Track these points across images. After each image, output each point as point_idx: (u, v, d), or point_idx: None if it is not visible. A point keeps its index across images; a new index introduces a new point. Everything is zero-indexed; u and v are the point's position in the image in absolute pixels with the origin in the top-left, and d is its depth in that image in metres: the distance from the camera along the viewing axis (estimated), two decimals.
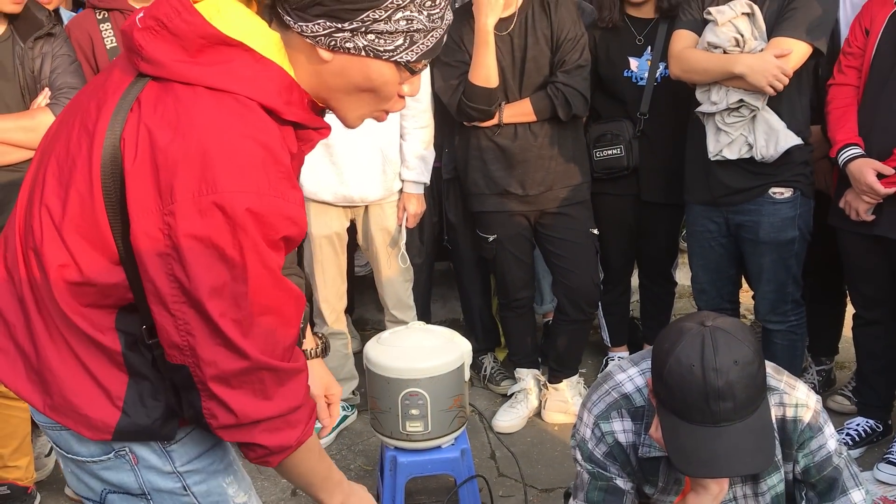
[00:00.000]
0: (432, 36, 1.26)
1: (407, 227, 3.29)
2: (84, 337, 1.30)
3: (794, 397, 1.90)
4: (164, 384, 1.34)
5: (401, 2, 1.20)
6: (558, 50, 3.15)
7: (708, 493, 1.82)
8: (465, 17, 3.12)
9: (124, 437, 1.35)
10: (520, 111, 3.19)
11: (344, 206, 3.24)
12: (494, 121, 3.19)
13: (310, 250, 3.28)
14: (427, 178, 3.27)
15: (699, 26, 2.97)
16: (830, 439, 1.91)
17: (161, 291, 1.21)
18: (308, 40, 1.23)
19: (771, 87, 2.78)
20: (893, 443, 3.04)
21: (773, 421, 1.83)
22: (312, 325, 1.77)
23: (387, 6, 1.20)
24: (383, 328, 3.32)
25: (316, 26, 1.21)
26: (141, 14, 1.26)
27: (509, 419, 3.43)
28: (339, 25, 1.21)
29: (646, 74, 3.32)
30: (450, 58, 3.16)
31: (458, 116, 3.22)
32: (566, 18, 3.15)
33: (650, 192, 3.43)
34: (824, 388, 3.54)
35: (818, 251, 3.18)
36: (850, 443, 3.11)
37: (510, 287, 3.45)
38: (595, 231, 3.37)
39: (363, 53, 1.23)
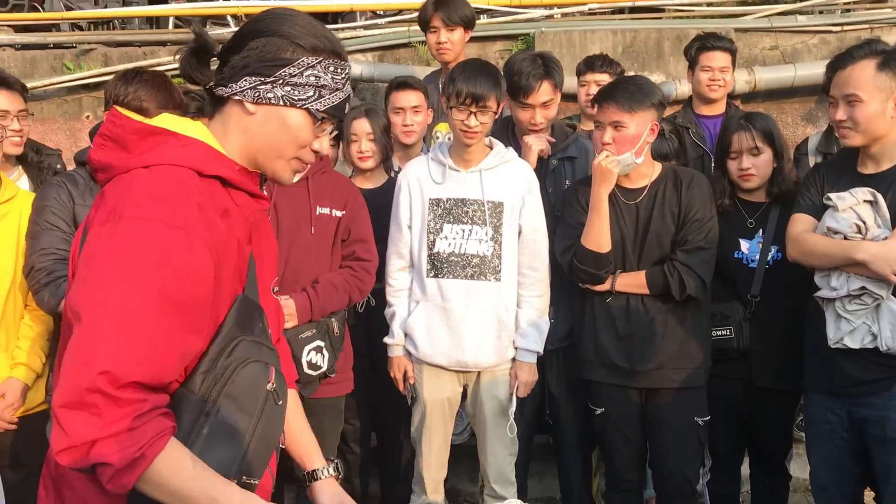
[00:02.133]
0: (336, 96, 1.61)
1: (518, 397, 3.23)
2: None
3: None
4: None
5: (310, 62, 1.57)
6: (682, 228, 3.16)
7: None
8: (590, 183, 3.19)
9: None
10: (634, 282, 3.18)
11: (457, 371, 3.22)
12: (606, 287, 3.18)
13: (420, 414, 3.25)
14: (541, 348, 3.24)
15: (818, 211, 2.95)
16: None
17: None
18: (237, 97, 1.56)
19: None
20: None
21: None
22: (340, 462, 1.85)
23: (299, 64, 1.56)
24: (476, 501, 3.19)
25: (244, 83, 1.56)
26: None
27: None
28: (262, 79, 1.55)
29: (757, 257, 3.29)
30: (571, 219, 3.22)
31: (570, 275, 3.24)
32: (696, 198, 3.17)
33: (762, 376, 3.30)
34: None
35: None
36: None
37: (617, 467, 3.31)
38: (702, 421, 3.23)
39: (281, 102, 1.57)
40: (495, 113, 3.08)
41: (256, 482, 1.55)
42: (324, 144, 1.66)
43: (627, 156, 3.08)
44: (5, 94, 3.23)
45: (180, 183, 1.48)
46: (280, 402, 1.59)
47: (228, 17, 6.02)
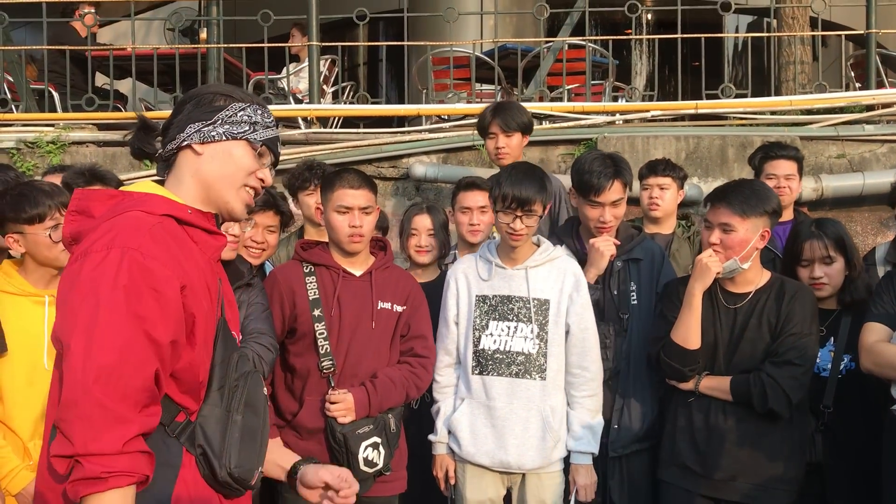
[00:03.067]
0: (269, 131, 1.91)
1: (578, 500, 3.12)
2: None
3: None
4: None
5: (241, 106, 1.87)
6: (777, 339, 3.06)
7: None
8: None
9: None
10: (717, 385, 3.10)
11: (501, 472, 3.15)
12: (690, 386, 3.11)
13: None
14: (595, 449, 3.16)
15: (892, 320, 2.88)
16: None
17: None
18: (185, 143, 1.83)
19: None
20: None
21: None
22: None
23: (232, 108, 1.86)
24: None
25: (189, 129, 1.84)
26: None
27: None
28: (204, 122, 1.84)
29: (829, 366, 3.20)
30: (669, 312, 3.17)
31: (656, 369, 3.20)
32: (797, 312, 3.07)
33: (837, 494, 3.16)
34: None
35: None
36: None
37: None
38: None
39: (224, 137, 1.84)
40: (541, 216, 3.09)
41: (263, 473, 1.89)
42: (266, 176, 1.91)
43: (732, 262, 3.03)
44: (100, 189, 3.36)
45: (135, 218, 1.70)
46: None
47: (299, 119, 6.24)
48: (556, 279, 3.14)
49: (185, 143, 1.83)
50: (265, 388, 1.90)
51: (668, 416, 3.21)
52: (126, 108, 6.99)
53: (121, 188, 1.86)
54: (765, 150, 4.18)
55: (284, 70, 6.91)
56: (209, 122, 1.83)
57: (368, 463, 2.96)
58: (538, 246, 3.19)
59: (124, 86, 7.36)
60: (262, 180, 1.90)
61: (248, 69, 6.76)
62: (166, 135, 1.87)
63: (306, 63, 6.57)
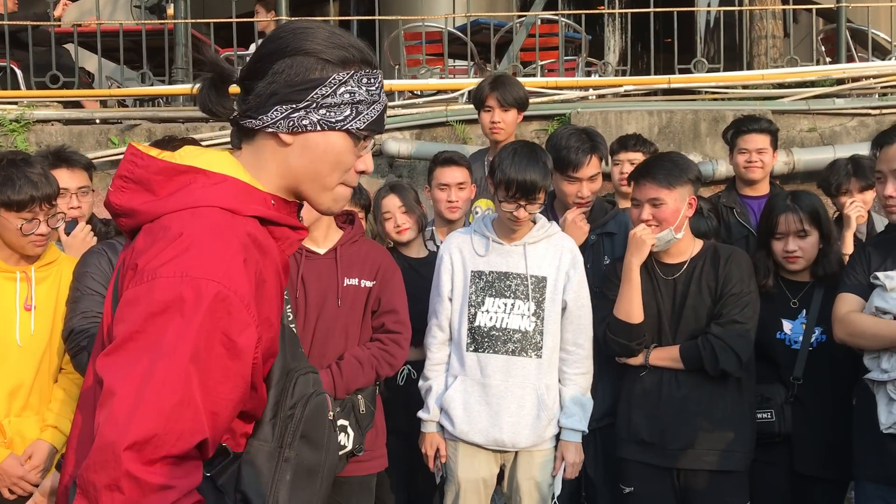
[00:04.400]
0: (374, 108, 1.49)
1: (565, 479, 3.12)
2: None
3: None
4: None
5: (342, 78, 1.44)
6: (719, 302, 3.10)
7: None
8: None
9: None
10: (667, 356, 3.11)
11: (494, 451, 3.13)
12: (640, 360, 3.12)
13: (454, 494, 3.15)
14: (585, 426, 3.15)
15: (865, 291, 2.88)
16: None
17: None
18: (270, 130, 1.44)
19: None
20: None
21: None
22: None
23: (331, 82, 1.43)
24: None
25: (275, 113, 1.43)
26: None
27: None
28: (295, 106, 1.43)
29: (800, 338, 3.22)
30: (609, 292, 3.18)
31: (604, 347, 3.19)
32: (734, 273, 3.12)
33: (805, 463, 3.18)
34: None
35: None
36: None
37: None
38: None
39: (318, 127, 1.44)
40: (543, 203, 3.06)
41: None
42: (368, 163, 1.55)
43: (667, 232, 3.06)
44: (66, 172, 3.29)
45: (217, 226, 1.36)
46: (333, 421, 1.59)
47: None
48: (554, 256, 3.12)
49: (270, 128, 1.44)
50: (330, 413, 1.54)
51: (621, 394, 3.22)
52: (92, 84, 6.86)
53: (188, 158, 1.44)
54: (737, 124, 4.18)
55: (253, 46, 6.81)
56: (300, 104, 1.43)
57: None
58: (534, 222, 3.16)
59: (91, 63, 7.22)
60: (362, 173, 1.54)
61: (216, 45, 6.65)
62: (245, 96, 1.47)
63: None
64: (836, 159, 4.20)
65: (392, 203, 3.60)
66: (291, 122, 1.43)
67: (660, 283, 3.16)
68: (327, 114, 1.44)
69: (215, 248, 1.33)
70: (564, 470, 3.11)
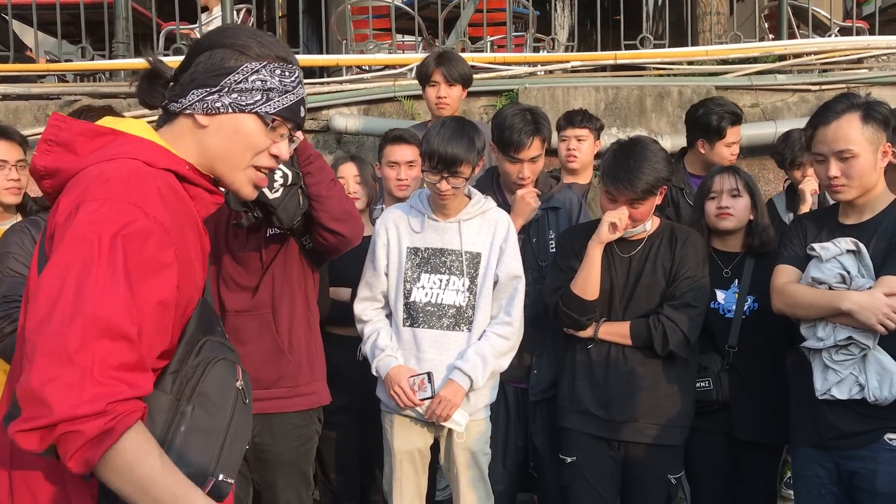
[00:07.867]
0: (287, 97, 1.62)
1: (427, 416, 3.05)
2: None
3: None
4: None
5: (255, 67, 1.59)
6: (673, 283, 3.14)
7: None
8: (586, 230, 3.19)
9: None
10: (616, 331, 3.15)
11: (428, 423, 3.15)
12: (589, 334, 3.15)
13: (390, 465, 3.17)
14: (478, 384, 3.03)
15: (801, 262, 2.93)
16: None
17: None
18: (188, 112, 1.58)
19: (882, 325, 2.67)
20: None
21: None
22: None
23: (243, 70, 1.58)
24: None
25: (192, 96, 1.58)
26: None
27: None
28: (209, 90, 1.57)
29: (733, 307, 3.29)
30: (563, 262, 3.21)
31: (553, 317, 3.21)
32: (690, 256, 3.15)
33: (743, 429, 3.26)
34: None
35: None
36: None
37: None
38: (675, 479, 3.17)
39: (230, 110, 1.58)
40: (467, 179, 3.04)
41: (232, 482, 1.54)
42: (282, 150, 1.65)
43: (641, 226, 3.14)
44: (4, 144, 3.23)
45: (136, 167, 1.48)
46: (247, 402, 1.60)
47: None
48: (488, 232, 3.13)
49: (188, 111, 1.59)
50: (238, 381, 1.58)
51: (565, 364, 3.25)
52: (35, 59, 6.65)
53: (109, 123, 1.58)
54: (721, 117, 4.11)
55: (198, 21, 6.68)
56: (214, 88, 1.57)
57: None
58: (470, 198, 3.17)
59: (28, 37, 7.00)
60: (276, 156, 1.64)
61: (158, 19, 6.50)
62: (175, 84, 1.61)
63: (219, 13, 6.35)
64: (789, 131, 4.25)
65: (349, 171, 3.60)
66: (206, 105, 1.58)
67: (615, 260, 3.19)
68: (238, 97, 1.58)
69: (132, 181, 1.45)
70: (431, 399, 3.02)
